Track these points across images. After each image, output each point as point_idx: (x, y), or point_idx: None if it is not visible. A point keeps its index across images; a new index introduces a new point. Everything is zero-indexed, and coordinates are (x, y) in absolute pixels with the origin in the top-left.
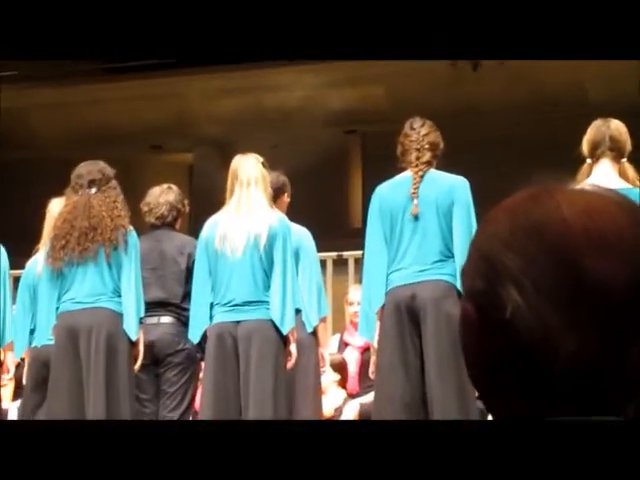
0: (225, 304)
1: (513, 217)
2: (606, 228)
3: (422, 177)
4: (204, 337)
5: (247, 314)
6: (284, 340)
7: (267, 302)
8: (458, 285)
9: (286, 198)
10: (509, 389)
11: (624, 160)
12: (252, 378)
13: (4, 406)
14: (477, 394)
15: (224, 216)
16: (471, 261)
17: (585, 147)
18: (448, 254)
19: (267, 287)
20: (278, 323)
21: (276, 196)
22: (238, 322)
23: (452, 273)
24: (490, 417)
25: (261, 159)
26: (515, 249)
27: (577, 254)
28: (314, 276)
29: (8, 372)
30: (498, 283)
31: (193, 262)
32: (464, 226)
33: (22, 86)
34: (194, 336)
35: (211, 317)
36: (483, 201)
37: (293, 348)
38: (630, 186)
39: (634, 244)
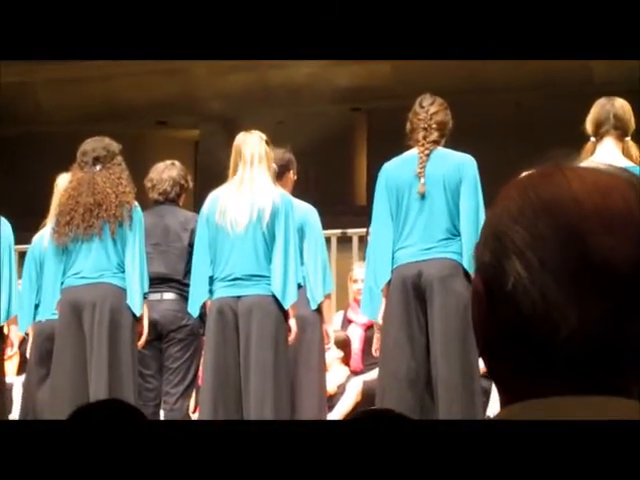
0: (225, 278)
1: (523, 193)
2: (616, 206)
3: (428, 156)
4: (204, 311)
5: (248, 289)
6: (285, 315)
7: (268, 277)
8: (464, 263)
9: (292, 175)
10: (512, 363)
11: (628, 139)
12: (252, 353)
13: (8, 380)
14: (482, 372)
15: (226, 191)
16: (482, 235)
17: (589, 125)
18: (455, 232)
19: (269, 262)
20: (279, 297)
21: (282, 173)
22: (239, 297)
23: (458, 251)
24: (493, 395)
25: (265, 137)
26: (523, 224)
27: (584, 231)
28: (319, 253)
29: (12, 346)
30: (504, 256)
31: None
32: (471, 204)
33: (29, 61)
34: (193, 309)
35: (212, 292)
36: (489, 179)
37: (293, 323)
38: (634, 164)
39: None
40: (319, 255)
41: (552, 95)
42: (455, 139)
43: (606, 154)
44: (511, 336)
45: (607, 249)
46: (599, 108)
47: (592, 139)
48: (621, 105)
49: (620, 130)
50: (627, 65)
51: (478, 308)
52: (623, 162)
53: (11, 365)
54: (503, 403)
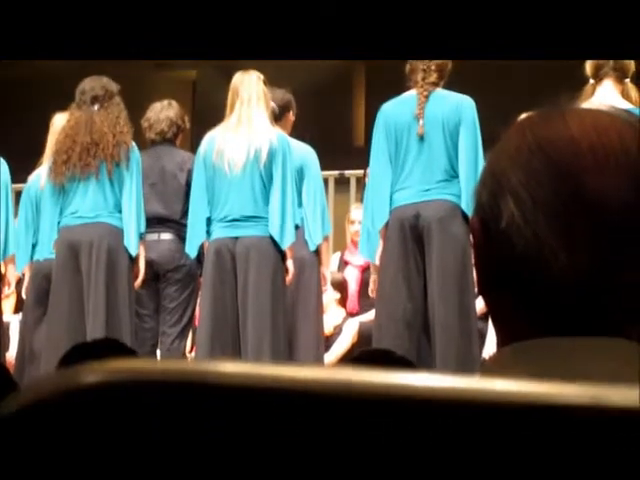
0: (223, 219)
1: (521, 134)
2: (612, 146)
3: (427, 97)
4: (201, 252)
5: (245, 230)
6: (283, 256)
7: (266, 218)
8: (462, 205)
9: (291, 116)
10: (509, 302)
11: (627, 80)
12: (250, 294)
13: (5, 319)
14: (480, 314)
15: (222, 131)
16: (482, 176)
17: (588, 67)
18: (453, 174)
19: (266, 203)
20: (277, 238)
21: (281, 114)
22: (236, 238)
23: (457, 193)
24: (489, 337)
25: (262, 77)
26: (519, 163)
27: (580, 170)
28: (318, 195)
29: (10, 285)
30: (500, 195)
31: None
32: (470, 146)
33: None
34: (191, 250)
35: (209, 233)
36: (487, 120)
37: (290, 264)
38: (633, 106)
39: (639, 165)
40: (317, 197)
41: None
42: (454, 81)
43: (605, 96)
44: (507, 274)
45: (601, 188)
46: None
47: (591, 81)
48: None
49: (619, 72)
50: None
51: (476, 248)
52: (622, 104)
53: (8, 304)
54: (500, 344)
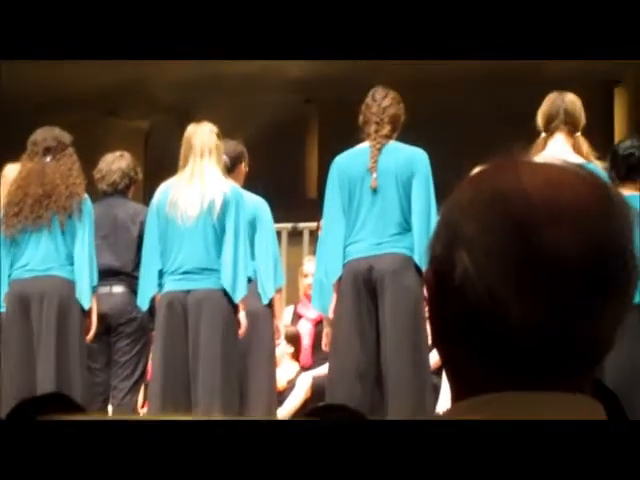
0: (175, 271)
1: (475, 186)
2: (566, 200)
3: (380, 150)
4: (153, 305)
5: (198, 282)
6: (235, 309)
7: (218, 271)
8: (415, 258)
9: (244, 167)
10: (463, 355)
11: (578, 134)
12: (202, 347)
13: None
14: (432, 368)
15: (176, 183)
16: (436, 229)
17: (540, 120)
18: (406, 227)
19: (219, 255)
20: (229, 291)
21: (233, 166)
22: (188, 291)
23: (410, 246)
24: (442, 391)
25: (216, 129)
26: (472, 215)
27: (533, 224)
28: (270, 247)
29: None
30: (453, 248)
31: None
32: (423, 199)
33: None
34: (142, 302)
35: (161, 285)
36: (440, 172)
37: (243, 317)
38: (585, 160)
39: (594, 218)
40: (270, 249)
41: (504, 88)
42: (406, 131)
43: (557, 149)
44: (461, 327)
45: (554, 243)
46: (550, 103)
47: (543, 134)
48: (571, 100)
49: (570, 125)
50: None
51: (430, 300)
52: (574, 157)
53: None
54: (454, 398)
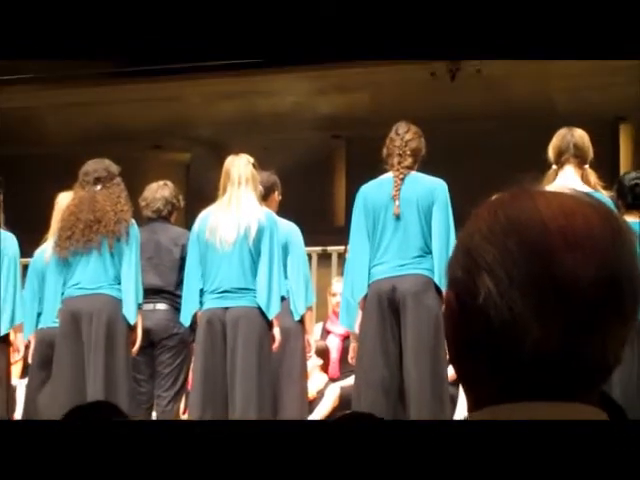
0: (214, 291)
1: (493, 214)
2: (579, 228)
3: (403, 180)
4: (194, 321)
5: (235, 301)
6: (269, 325)
7: (254, 290)
8: (436, 279)
9: (277, 196)
10: (482, 370)
11: (586, 166)
12: (239, 360)
13: (13, 383)
14: (451, 380)
15: (215, 210)
16: (455, 253)
17: (551, 153)
18: (427, 250)
19: (254, 276)
20: (264, 309)
21: (267, 194)
22: (227, 308)
23: (430, 268)
24: (459, 401)
25: (252, 160)
26: (493, 243)
27: (550, 250)
28: (302, 268)
29: (19, 351)
30: (475, 272)
31: (186, 252)
32: (442, 225)
33: (35, 87)
34: (185, 319)
35: (202, 303)
36: (458, 200)
37: (277, 332)
38: (592, 190)
39: (603, 245)
40: (301, 270)
41: (518, 124)
42: (428, 164)
43: (567, 180)
44: (481, 345)
45: (570, 267)
46: (560, 138)
47: (554, 166)
48: (580, 135)
49: (579, 158)
50: (587, 98)
51: (450, 320)
52: (582, 187)
53: (15, 369)
54: (471, 408)
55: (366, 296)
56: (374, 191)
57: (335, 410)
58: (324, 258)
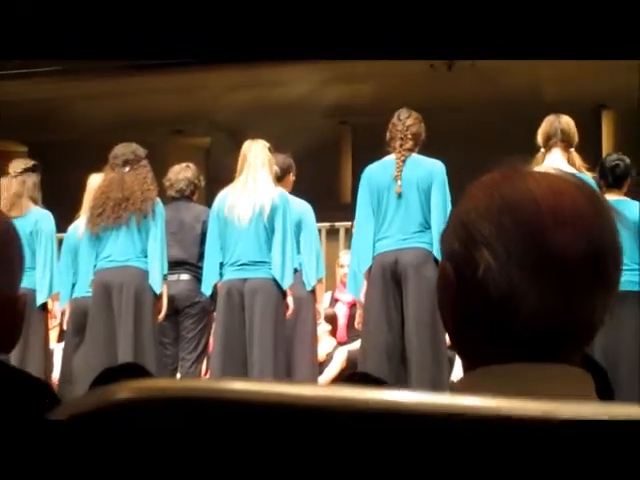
0: (233, 263)
1: (489, 193)
2: (568, 207)
3: (404, 161)
4: (215, 291)
5: (252, 272)
6: (284, 295)
7: (269, 263)
8: (434, 251)
9: (292, 177)
10: (479, 336)
11: (572, 150)
12: (256, 327)
13: (51, 346)
14: (448, 344)
15: (233, 190)
16: (450, 228)
17: (539, 138)
18: (426, 226)
19: (269, 250)
20: (279, 280)
21: (283, 175)
22: (244, 279)
23: (429, 242)
24: (457, 363)
25: (267, 144)
26: (490, 220)
27: (543, 228)
28: (313, 244)
29: (55, 318)
30: (473, 247)
31: (207, 228)
32: (440, 202)
33: (66, 78)
34: (206, 289)
35: (221, 275)
36: (454, 181)
37: (290, 301)
38: (577, 171)
39: (589, 222)
40: (313, 245)
41: (509, 112)
42: (427, 147)
43: (554, 162)
44: (478, 315)
45: (561, 243)
46: (548, 124)
47: (542, 150)
48: (567, 121)
49: (565, 142)
50: (574, 87)
51: (447, 290)
52: (568, 169)
53: (52, 334)
54: (466, 369)
55: (371, 267)
56: (378, 172)
57: (343, 371)
58: (332, 233)
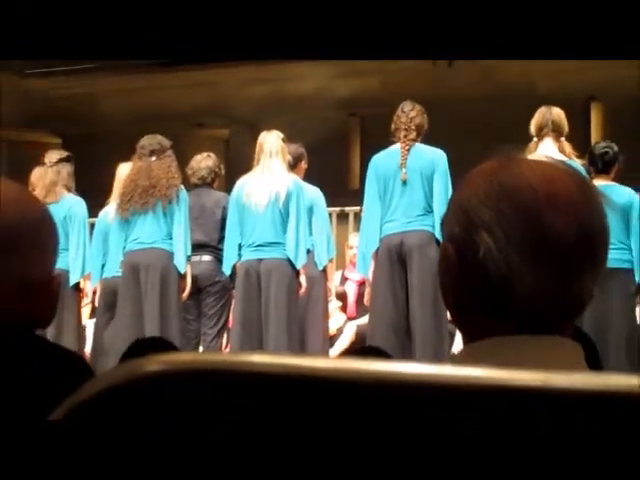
0: (250, 245)
1: (487, 179)
2: (561, 193)
3: (409, 150)
4: (234, 271)
5: (268, 253)
6: (297, 274)
7: (284, 244)
8: (437, 234)
9: (303, 165)
10: (478, 313)
11: (563, 139)
12: (271, 304)
13: (83, 322)
14: (449, 319)
15: (250, 178)
16: (451, 212)
17: (532, 128)
18: (429, 210)
19: (284, 233)
20: (292, 260)
21: (295, 163)
22: (261, 260)
23: (432, 225)
24: (458, 337)
25: (282, 135)
26: (489, 206)
27: (540, 213)
28: (324, 226)
29: (87, 296)
30: (474, 231)
31: (226, 213)
32: (442, 189)
33: (98, 76)
34: (226, 269)
35: (240, 255)
36: (455, 169)
37: (303, 279)
38: (567, 159)
39: (580, 206)
40: (324, 228)
41: (505, 104)
42: (430, 138)
43: (546, 150)
44: (479, 293)
45: (556, 227)
46: (540, 115)
47: (535, 139)
48: (557, 113)
49: (556, 132)
50: (565, 81)
51: (449, 271)
52: (559, 157)
53: (85, 311)
54: (465, 342)
55: (378, 249)
56: (384, 160)
57: (352, 344)
58: (342, 217)
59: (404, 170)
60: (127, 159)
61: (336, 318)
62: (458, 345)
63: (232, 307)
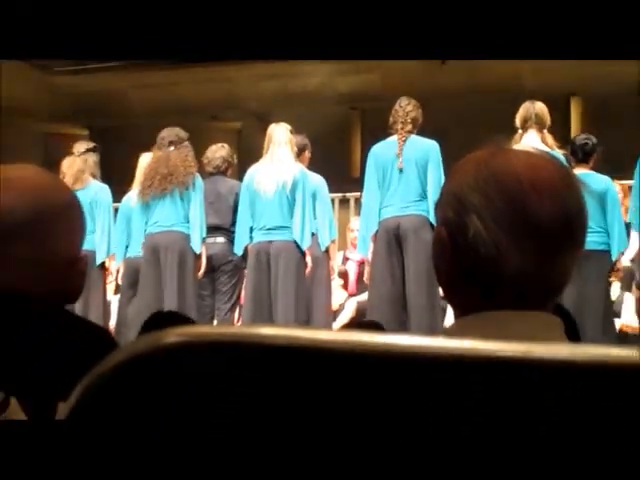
0: (261, 228)
1: (477, 167)
2: (544, 180)
3: (405, 141)
4: (245, 252)
5: (277, 236)
6: (303, 255)
7: (291, 228)
8: (431, 218)
9: (307, 154)
10: (468, 290)
11: (545, 131)
12: (280, 283)
13: (108, 298)
14: (442, 295)
15: (260, 166)
16: (444, 198)
17: (517, 121)
18: (424, 196)
19: (291, 217)
20: (299, 242)
21: (300, 153)
22: (270, 242)
23: (427, 209)
24: (449, 312)
25: (289, 127)
26: (478, 191)
27: (524, 197)
28: (327, 211)
29: (112, 275)
30: (464, 214)
31: (238, 199)
32: (436, 176)
33: (121, 71)
34: (238, 250)
35: (251, 238)
36: (447, 158)
37: (309, 260)
38: (549, 149)
39: (562, 192)
40: (326, 212)
41: (493, 99)
42: (424, 130)
43: (530, 142)
44: (469, 273)
45: (539, 211)
46: (524, 109)
47: (519, 131)
48: (540, 107)
49: (540, 125)
50: (550, 78)
51: (442, 252)
52: (542, 147)
53: (110, 288)
54: (457, 316)
55: (377, 231)
56: (382, 150)
57: (353, 319)
58: (344, 202)
59: (401, 159)
60: (148, 149)
61: (338, 295)
62: (450, 319)
63: (244, 284)
